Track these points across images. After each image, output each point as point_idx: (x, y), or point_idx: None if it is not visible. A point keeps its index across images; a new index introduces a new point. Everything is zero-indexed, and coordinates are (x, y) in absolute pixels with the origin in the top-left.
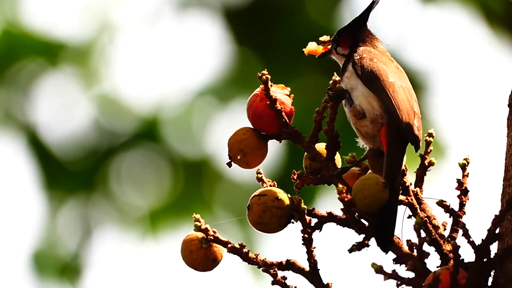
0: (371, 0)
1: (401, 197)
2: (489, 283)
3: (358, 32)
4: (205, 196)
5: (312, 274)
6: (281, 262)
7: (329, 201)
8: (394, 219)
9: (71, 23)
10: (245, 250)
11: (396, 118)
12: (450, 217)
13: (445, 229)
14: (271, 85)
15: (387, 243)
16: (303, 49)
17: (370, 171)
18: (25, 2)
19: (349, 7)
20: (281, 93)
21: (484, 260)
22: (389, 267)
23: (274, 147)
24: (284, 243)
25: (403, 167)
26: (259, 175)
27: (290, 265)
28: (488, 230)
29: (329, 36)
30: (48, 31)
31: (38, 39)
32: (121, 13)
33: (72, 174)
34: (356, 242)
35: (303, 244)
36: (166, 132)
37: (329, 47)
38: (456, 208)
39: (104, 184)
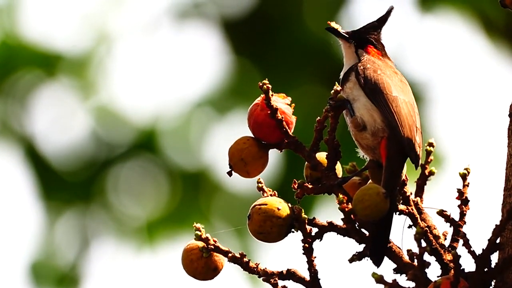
0: (388, 8)
1: (402, 207)
2: None
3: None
4: (202, 207)
5: (313, 283)
6: (282, 271)
7: (328, 210)
8: (388, 233)
9: (69, 34)
10: (245, 259)
11: (398, 134)
12: (450, 226)
13: (445, 238)
14: (272, 95)
15: (380, 257)
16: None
17: (370, 181)
18: (23, 13)
19: (347, 17)
20: (282, 103)
21: (485, 270)
22: (389, 276)
23: (272, 156)
24: (282, 253)
25: (403, 177)
26: (260, 185)
27: (290, 275)
28: (488, 240)
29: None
30: (46, 42)
31: (35, 50)
32: (119, 24)
33: (69, 185)
34: (356, 252)
35: (303, 253)
36: (164, 143)
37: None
38: (457, 218)
39: (102, 195)
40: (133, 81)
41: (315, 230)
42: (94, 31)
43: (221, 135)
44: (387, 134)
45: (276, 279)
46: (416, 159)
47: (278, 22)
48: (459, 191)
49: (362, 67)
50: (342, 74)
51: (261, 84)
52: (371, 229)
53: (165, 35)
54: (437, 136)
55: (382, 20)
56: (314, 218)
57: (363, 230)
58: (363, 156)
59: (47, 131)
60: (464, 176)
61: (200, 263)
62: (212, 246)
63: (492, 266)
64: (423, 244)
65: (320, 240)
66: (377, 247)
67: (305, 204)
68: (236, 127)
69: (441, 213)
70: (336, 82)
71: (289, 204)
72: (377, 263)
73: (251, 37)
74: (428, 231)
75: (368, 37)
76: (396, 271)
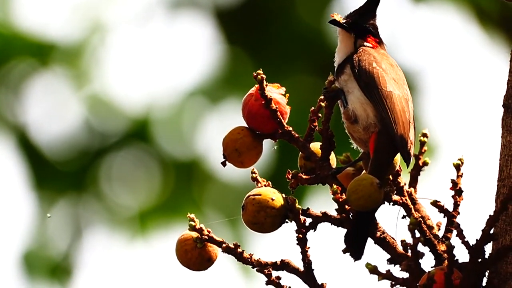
0: None
1: (396, 197)
2: (484, 284)
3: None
4: (195, 196)
5: (307, 274)
6: (276, 262)
7: (321, 201)
8: (368, 228)
9: (62, 24)
10: (239, 250)
11: (391, 131)
12: (444, 217)
13: (439, 229)
14: (266, 85)
15: (360, 251)
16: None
17: (364, 171)
18: (16, 2)
19: (339, 7)
20: (276, 93)
21: (479, 260)
22: (383, 267)
23: (265, 146)
24: (275, 244)
25: (397, 167)
26: (254, 175)
27: (284, 265)
28: (482, 230)
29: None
30: (39, 32)
31: (28, 40)
32: (112, 14)
33: (62, 174)
34: None
35: (297, 244)
36: (157, 132)
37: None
38: (451, 209)
39: (95, 185)
40: (126, 70)
41: (309, 220)
42: (87, 20)
43: (214, 125)
44: (378, 129)
45: (270, 269)
46: (408, 158)
47: (271, 12)
48: (453, 181)
49: (357, 59)
50: (336, 63)
51: (255, 74)
52: (351, 223)
53: (158, 24)
54: (430, 126)
55: (376, 1)
56: (308, 209)
57: None
58: (357, 147)
59: (40, 120)
60: (458, 167)
61: (194, 253)
62: (206, 237)
63: (486, 256)
64: (417, 234)
65: (314, 231)
66: (356, 241)
67: (298, 194)
68: (229, 117)
69: (435, 203)
70: (331, 72)
71: (283, 195)
72: (356, 256)
73: (244, 27)
74: (422, 221)
75: (367, 26)
76: (390, 261)
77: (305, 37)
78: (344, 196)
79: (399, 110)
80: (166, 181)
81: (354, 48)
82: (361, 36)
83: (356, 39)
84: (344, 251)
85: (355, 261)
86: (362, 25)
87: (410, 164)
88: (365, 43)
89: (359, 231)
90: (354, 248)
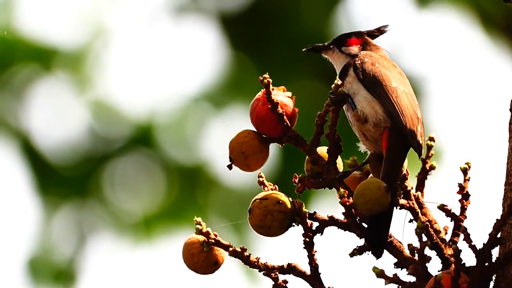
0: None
1: (403, 201)
2: None
3: (364, 36)
4: (199, 201)
5: (313, 278)
6: (282, 265)
7: (328, 204)
8: (388, 225)
9: (65, 29)
10: (246, 253)
11: (400, 124)
12: (451, 221)
13: (446, 233)
14: (272, 89)
15: (380, 249)
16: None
17: (371, 175)
18: (19, 8)
19: (344, 11)
20: (283, 95)
21: (486, 264)
22: (390, 271)
23: (270, 149)
24: (282, 248)
25: (404, 171)
26: (261, 179)
27: (291, 269)
28: (489, 234)
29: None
30: (42, 37)
31: (32, 45)
32: (116, 19)
33: (66, 180)
34: (357, 246)
35: (304, 248)
36: (161, 137)
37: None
38: (458, 212)
39: (99, 190)
40: (130, 75)
41: (316, 224)
42: (90, 25)
43: (218, 130)
44: (389, 125)
45: (277, 273)
46: (419, 148)
47: (275, 17)
48: (460, 185)
49: (359, 62)
50: (338, 72)
51: (261, 78)
52: (372, 221)
53: (162, 29)
54: (436, 130)
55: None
56: (315, 213)
57: (363, 224)
58: (364, 150)
59: (44, 125)
60: (465, 171)
61: (201, 257)
62: (213, 240)
63: (493, 260)
64: (424, 238)
65: (321, 235)
66: (377, 238)
67: (305, 198)
68: (233, 122)
69: (442, 207)
70: (337, 77)
71: (290, 199)
72: (377, 255)
73: (249, 32)
74: (429, 225)
75: (345, 34)
76: (396, 265)
77: (309, 42)
78: (351, 200)
79: (406, 104)
80: (171, 187)
81: (345, 57)
82: (341, 44)
83: (340, 50)
84: (364, 250)
85: (377, 259)
86: (338, 37)
87: (417, 168)
88: (349, 47)
89: (379, 228)
90: (375, 246)
